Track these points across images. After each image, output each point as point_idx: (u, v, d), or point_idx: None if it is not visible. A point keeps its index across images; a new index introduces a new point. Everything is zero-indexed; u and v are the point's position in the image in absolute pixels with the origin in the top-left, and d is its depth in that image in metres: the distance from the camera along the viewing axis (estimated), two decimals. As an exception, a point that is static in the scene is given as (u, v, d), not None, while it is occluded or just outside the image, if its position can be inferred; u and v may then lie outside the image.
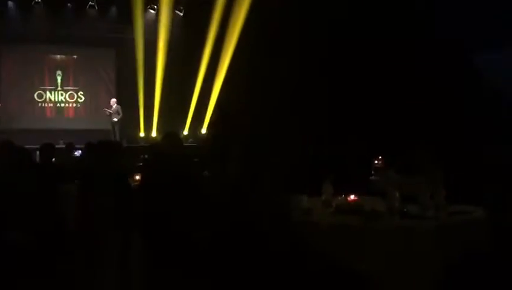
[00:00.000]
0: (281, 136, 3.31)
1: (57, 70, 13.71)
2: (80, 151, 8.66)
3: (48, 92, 13.66)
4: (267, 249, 2.72)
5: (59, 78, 13.72)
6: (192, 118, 13.38)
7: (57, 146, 7.88)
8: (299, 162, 4.35)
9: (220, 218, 2.96)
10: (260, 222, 2.78)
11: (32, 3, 12.46)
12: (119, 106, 12.42)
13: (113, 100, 12.60)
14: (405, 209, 3.09)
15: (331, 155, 5.77)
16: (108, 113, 12.35)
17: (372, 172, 5.87)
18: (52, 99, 13.71)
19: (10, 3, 12.53)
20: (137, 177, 5.55)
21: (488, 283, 2.98)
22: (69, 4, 12.84)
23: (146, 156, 7.09)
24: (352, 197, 3.57)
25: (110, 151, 4.98)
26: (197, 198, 3.48)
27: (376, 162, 6.69)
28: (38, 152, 5.80)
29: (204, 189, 3.63)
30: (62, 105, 13.80)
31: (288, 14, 9.84)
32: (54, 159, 5.64)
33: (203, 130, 13.46)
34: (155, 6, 13.17)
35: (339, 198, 3.51)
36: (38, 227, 3.53)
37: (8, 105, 12.81)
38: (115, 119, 12.26)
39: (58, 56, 13.78)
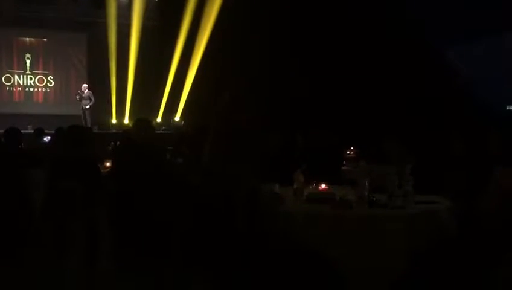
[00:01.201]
0: (254, 124, 3.29)
1: (26, 53, 13.34)
2: (49, 137, 8.51)
3: (16, 76, 13.29)
4: (233, 232, 2.74)
5: (28, 62, 13.35)
6: (166, 105, 13.24)
7: (25, 131, 7.73)
8: (272, 151, 4.36)
9: (189, 200, 2.96)
10: (227, 203, 2.78)
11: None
12: (90, 92, 12.17)
13: (85, 86, 12.34)
14: (374, 198, 3.14)
15: (303, 145, 5.81)
16: (79, 99, 12.09)
17: (344, 162, 5.97)
18: (21, 83, 13.35)
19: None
20: (108, 164, 5.47)
21: (453, 269, 3.06)
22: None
23: (117, 143, 7.01)
24: (323, 186, 3.60)
25: (80, 137, 4.88)
26: (167, 184, 3.47)
27: (348, 152, 6.80)
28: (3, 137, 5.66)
29: (176, 175, 3.61)
30: (31, 89, 13.46)
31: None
32: (22, 144, 5.51)
33: (177, 118, 13.34)
34: (129, -9, 12.92)
35: (310, 187, 3.53)
36: (4, 211, 3.45)
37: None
38: (87, 106, 12.02)
39: (28, 39, 13.40)
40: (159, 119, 13.26)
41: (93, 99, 12.10)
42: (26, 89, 13.41)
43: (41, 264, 3.74)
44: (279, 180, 3.52)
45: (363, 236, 2.91)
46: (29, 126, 10.07)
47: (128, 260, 3.73)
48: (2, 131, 6.57)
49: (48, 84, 13.57)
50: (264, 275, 2.56)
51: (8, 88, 13.24)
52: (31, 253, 3.76)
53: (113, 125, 13.13)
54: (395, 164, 3.56)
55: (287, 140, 5.72)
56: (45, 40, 13.50)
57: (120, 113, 13.24)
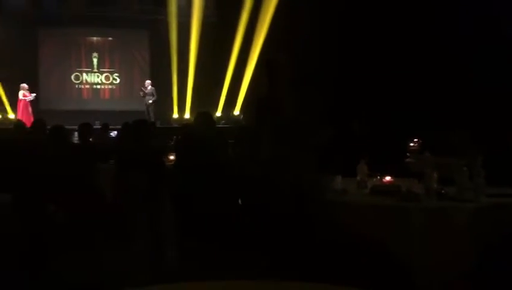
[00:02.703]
0: (314, 117, 3.26)
1: (93, 52, 13.96)
2: (116, 132, 8.87)
3: (84, 74, 13.95)
4: (298, 228, 2.73)
5: (95, 60, 13.97)
6: (225, 99, 13.40)
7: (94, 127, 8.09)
8: (332, 143, 4.31)
9: (252, 196, 2.98)
10: (292, 200, 2.78)
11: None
12: (153, 88, 12.52)
13: (148, 82, 12.71)
14: (443, 191, 3.03)
15: (365, 136, 5.70)
16: (142, 95, 12.48)
17: (408, 154, 5.78)
18: (89, 80, 14.01)
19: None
20: (172, 157, 5.63)
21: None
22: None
23: (179, 137, 7.18)
24: (387, 178, 3.51)
25: (144, 131, 5.06)
26: (228, 176, 3.51)
27: (411, 144, 6.59)
28: (77, 132, 5.97)
29: (237, 168, 3.65)
30: (98, 87, 14.08)
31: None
32: (91, 139, 5.78)
33: (236, 112, 13.48)
34: (189, -12, 13.17)
35: (374, 179, 3.46)
36: (77, 202, 3.65)
37: (46, 87, 13.14)
38: (150, 101, 12.37)
39: (94, 38, 14.02)
40: (218, 114, 13.46)
41: (155, 95, 12.44)
42: (94, 86, 14.05)
43: (110, 251, 3.91)
44: (342, 172, 3.47)
45: (431, 229, 2.82)
46: (96, 122, 10.53)
47: (192, 249, 3.82)
48: (72, 127, 6.97)
49: (114, 81, 14.13)
50: (329, 264, 2.55)
51: (77, 86, 13.93)
52: (101, 242, 3.94)
53: (174, 119, 13.48)
54: (465, 156, 3.41)
55: (344, 130, 5.63)
56: (110, 38, 14.06)
57: (181, 108, 13.56)
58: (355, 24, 9.35)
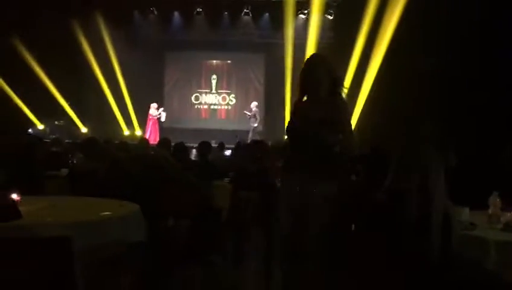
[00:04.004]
0: (432, 146, 3.06)
1: (213, 74, 14.72)
2: (230, 151, 9.19)
3: (203, 95, 14.74)
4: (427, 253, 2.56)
5: (214, 82, 14.71)
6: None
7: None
8: (460, 171, 4.00)
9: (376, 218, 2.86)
10: (423, 224, 2.62)
11: (194, 12, 13.56)
12: (257, 110, 12.74)
13: (254, 104, 12.93)
14: None
15: (492, 165, 5.21)
16: (248, 117, 12.78)
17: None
18: (207, 101, 14.76)
19: (176, 13, 13.79)
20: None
21: None
22: (225, 12, 13.69)
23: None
24: (523, 213, 3.16)
25: (257, 151, 5.16)
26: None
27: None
28: (195, 150, 6.28)
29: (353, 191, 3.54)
30: (215, 107, 14.77)
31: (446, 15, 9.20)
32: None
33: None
34: (305, 11, 13.36)
35: (508, 214, 3.12)
36: (196, 218, 3.78)
37: (169, 106, 14.09)
38: (255, 125, 12.54)
39: (214, 61, 14.79)
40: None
41: (259, 118, 12.62)
42: (212, 106, 14.77)
43: (225, 267, 3.99)
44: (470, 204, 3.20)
45: None
46: (212, 141, 10.99)
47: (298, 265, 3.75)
48: (191, 144, 7.34)
49: (230, 102, 14.73)
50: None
51: (196, 106, 14.75)
52: (215, 259, 4.04)
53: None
54: None
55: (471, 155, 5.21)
56: (229, 61, 14.74)
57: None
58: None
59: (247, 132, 12.55)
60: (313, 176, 2.89)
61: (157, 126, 12.67)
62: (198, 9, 13.48)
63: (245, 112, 13.01)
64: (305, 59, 3.16)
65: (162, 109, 12.77)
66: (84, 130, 13.23)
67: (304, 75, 3.06)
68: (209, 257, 3.90)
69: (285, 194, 3.02)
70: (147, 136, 11.80)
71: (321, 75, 3.00)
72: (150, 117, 12.67)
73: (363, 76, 12.34)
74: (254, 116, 12.67)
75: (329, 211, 2.82)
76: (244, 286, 3.63)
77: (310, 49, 12.78)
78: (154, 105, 12.79)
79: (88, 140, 5.30)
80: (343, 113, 3.03)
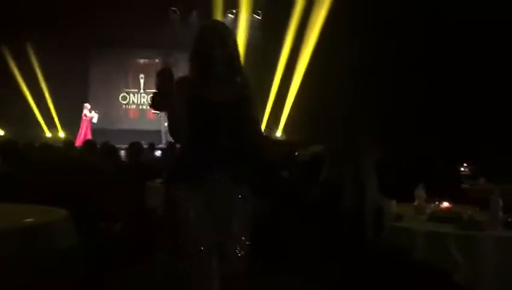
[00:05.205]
0: (365, 139, 3.17)
1: (140, 73, 14.38)
2: (160, 151, 9.07)
3: (131, 94, 14.36)
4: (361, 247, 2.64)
5: (142, 81, 14.38)
6: (267, 121, 13.40)
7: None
8: (386, 164, 4.18)
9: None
10: (355, 218, 2.70)
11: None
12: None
13: None
14: (509, 219, 2.85)
15: (416, 159, 5.50)
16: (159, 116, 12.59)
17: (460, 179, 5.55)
18: (135, 101, 14.40)
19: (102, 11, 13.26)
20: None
21: None
22: (153, 10, 13.38)
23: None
24: (445, 204, 3.36)
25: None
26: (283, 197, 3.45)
27: (462, 169, 6.31)
28: (124, 151, 6.10)
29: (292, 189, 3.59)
30: (144, 107, 14.43)
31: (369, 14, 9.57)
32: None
33: (278, 133, 13.45)
34: (234, 11, 13.39)
35: (432, 205, 3.30)
36: (128, 218, 3.67)
37: (96, 106, 13.51)
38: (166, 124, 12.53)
39: (142, 60, 14.45)
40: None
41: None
42: (140, 107, 14.41)
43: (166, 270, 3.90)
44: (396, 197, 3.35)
45: (496, 259, 2.65)
46: (142, 141, 10.74)
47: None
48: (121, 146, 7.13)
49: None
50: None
51: (124, 106, 14.35)
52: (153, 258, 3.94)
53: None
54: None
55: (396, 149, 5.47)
56: (157, 60, 14.42)
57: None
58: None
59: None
60: (228, 179, 2.32)
61: (90, 127, 12.21)
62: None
63: (153, 111, 12.79)
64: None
65: (95, 112, 12.35)
66: (1, 132, 12.40)
67: (196, 46, 2.38)
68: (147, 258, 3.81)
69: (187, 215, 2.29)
70: (80, 138, 11.38)
71: (217, 46, 2.32)
72: (84, 118, 12.18)
73: (291, 76, 12.59)
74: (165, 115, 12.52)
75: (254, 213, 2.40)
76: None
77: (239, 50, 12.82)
78: (87, 105, 12.31)
79: (4, 143, 4.98)
80: (250, 92, 2.44)
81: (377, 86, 9.34)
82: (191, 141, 2.33)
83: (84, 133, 12.01)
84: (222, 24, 2.51)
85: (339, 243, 2.69)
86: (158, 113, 12.47)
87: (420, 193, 3.25)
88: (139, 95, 14.39)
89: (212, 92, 2.32)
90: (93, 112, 12.32)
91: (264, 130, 13.42)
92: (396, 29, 9.04)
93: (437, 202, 3.33)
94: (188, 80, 2.36)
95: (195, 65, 2.37)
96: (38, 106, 12.61)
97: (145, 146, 8.77)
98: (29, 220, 2.89)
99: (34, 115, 12.61)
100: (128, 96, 14.34)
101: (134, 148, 5.33)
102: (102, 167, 4.33)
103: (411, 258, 2.69)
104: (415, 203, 3.24)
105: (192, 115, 2.29)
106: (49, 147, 6.07)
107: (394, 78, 9.15)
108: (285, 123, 13.22)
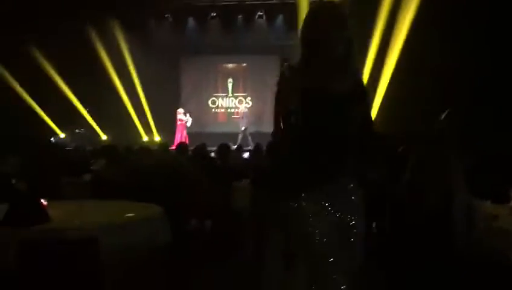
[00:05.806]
0: (458, 134, 3.04)
1: (228, 78, 14.80)
2: (248, 153, 9.23)
3: (220, 98, 14.84)
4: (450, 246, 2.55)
5: (230, 85, 14.80)
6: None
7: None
8: (480, 164, 3.98)
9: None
10: (444, 218, 2.61)
11: (208, 17, 13.67)
12: (246, 112, 13.33)
13: (242, 106, 13.67)
14: None
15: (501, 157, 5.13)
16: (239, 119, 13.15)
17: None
18: (224, 105, 14.85)
19: (190, 19, 13.92)
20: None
21: None
22: (239, 16, 13.76)
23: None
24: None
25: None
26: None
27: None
28: (214, 153, 6.34)
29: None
30: (232, 110, 14.84)
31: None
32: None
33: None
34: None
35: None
36: (217, 217, 3.83)
37: (187, 111, 14.18)
38: (243, 127, 12.86)
39: (230, 65, 14.87)
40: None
41: (246, 119, 13.02)
42: (228, 110, 14.86)
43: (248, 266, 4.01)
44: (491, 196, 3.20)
45: None
46: (230, 143, 11.04)
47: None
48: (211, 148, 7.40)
49: (246, 105, 14.76)
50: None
51: (213, 110, 14.85)
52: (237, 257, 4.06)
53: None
54: None
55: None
56: (244, 64, 14.80)
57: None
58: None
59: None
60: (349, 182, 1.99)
61: (185, 131, 12.87)
62: (212, 14, 13.59)
63: (233, 116, 13.16)
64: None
65: (188, 114, 13.02)
66: (104, 137, 13.41)
67: (308, 30, 2.02)
68: (234, 256, 3.94)
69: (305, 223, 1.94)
70: (177, 141, 11.99)
71: (334, 29, 1.97)
72: (180, 122, 12.86)
73: (380, 71, 12.26)
74: (242, 118, 12.84)
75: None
76: (267, 284, 3.65)
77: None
78: (181, 110, 12.99)
79: (108, 148, 5.40)
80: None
81: (456, 87, 9.00)
82: (304, 142, 1.94)
83: (181, 137, 12.61)
84: (338, 4, 2.10)
85: (427, 243, 2.62)
86: (237, 118, 12.94)
87: (517, 192, 3.07)
88: (227, 99, 14.85)
89: (333, 82, 1.96)
90: (187, 115, 12.92)
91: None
92: (482, 31, 8.66)
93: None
94: (299, 70, 2.01)
95: (309, 52, 2.01)
96: (135, 110, 13.44)
97: (233, 147, 9.06)
98: (131, 215, 3.15)
99: (131, 118, 13.46)
100: (217, 101, 14.87)
101: (222, 150, 5.53)
102: (193, 169, 4.56)
103: (507, 259, 2.55)
104: (511, 204, 3.07)
105: (309, 110, 1.90)
106: (146, 150, 6.50)
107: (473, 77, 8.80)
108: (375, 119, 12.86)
